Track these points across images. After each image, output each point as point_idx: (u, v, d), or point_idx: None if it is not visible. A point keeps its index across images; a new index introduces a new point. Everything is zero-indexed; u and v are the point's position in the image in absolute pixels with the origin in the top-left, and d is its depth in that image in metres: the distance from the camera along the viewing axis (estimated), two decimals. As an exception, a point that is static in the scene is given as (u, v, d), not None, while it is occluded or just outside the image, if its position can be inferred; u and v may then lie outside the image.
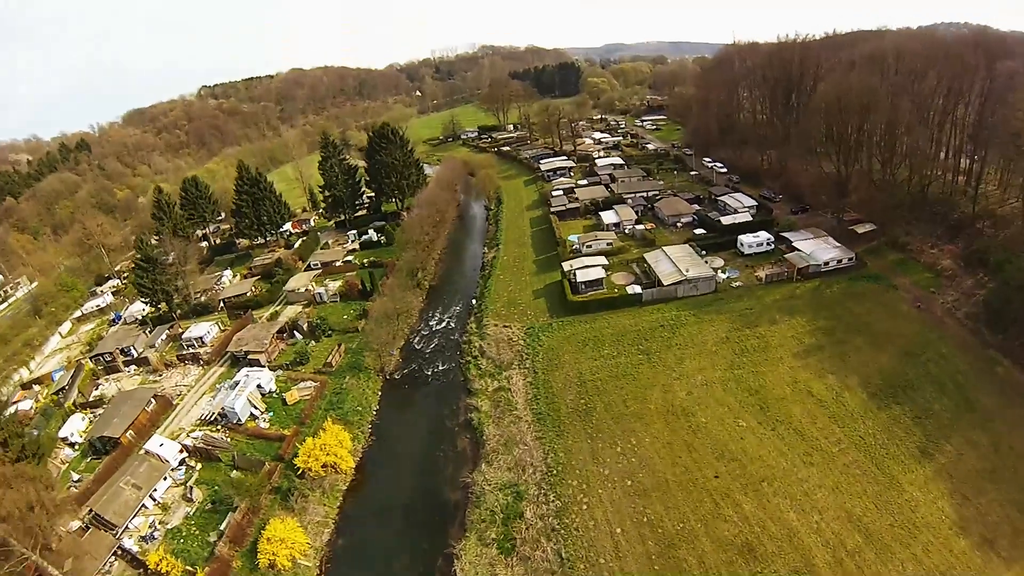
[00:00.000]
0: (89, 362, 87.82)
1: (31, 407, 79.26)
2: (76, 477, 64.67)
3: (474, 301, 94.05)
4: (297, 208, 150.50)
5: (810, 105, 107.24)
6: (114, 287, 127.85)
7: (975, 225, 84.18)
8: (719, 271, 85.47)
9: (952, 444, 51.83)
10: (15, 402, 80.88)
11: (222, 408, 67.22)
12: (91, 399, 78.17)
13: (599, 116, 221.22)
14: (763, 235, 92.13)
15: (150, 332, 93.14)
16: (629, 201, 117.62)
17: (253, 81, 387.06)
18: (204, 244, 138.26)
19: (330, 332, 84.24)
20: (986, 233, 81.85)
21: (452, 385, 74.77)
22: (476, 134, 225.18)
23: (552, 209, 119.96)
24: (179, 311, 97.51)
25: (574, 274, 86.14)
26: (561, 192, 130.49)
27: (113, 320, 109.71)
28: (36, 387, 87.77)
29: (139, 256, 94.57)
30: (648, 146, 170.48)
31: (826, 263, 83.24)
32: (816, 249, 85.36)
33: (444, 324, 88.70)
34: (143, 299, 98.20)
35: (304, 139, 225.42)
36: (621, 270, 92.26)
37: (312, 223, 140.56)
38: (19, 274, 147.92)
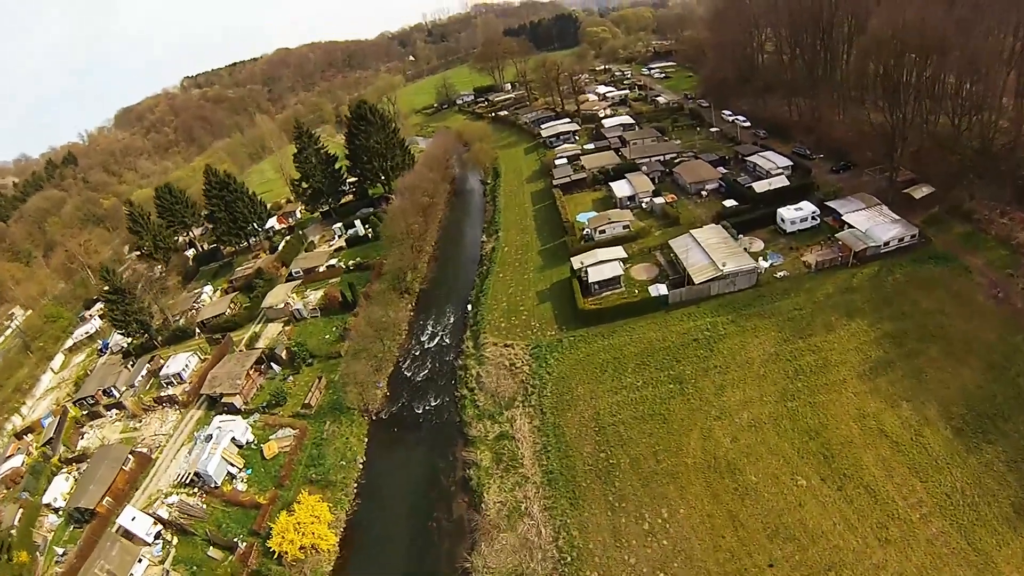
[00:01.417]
0: (73, 407, 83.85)
1: (22, 462, 76.09)
2: (60, 552, 60.38)
3: (470, 307, 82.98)
4: (283, 199, 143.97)
5: (859, 45, 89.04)
6: (101, 311, 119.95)
7: None
8: (760, 258, 72.00)
9: None
10: (8, 456, 78.89)
11: (196, 471, 61.73)
12: (76, 452, 74.86)
13: (603, 67, 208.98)
14: (807, 207, 77.70)
15: (132, 365, 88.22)
16: (644, 168, 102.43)
17: (237, 66, 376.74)
18: (191, 252, 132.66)
19: (310, 360, 76.03)
20: None
21: (447, 427, 64.94)
22: (472, 97, 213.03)
23: (555, 182, 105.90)
24: (160, 337, 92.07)
25: (585, 272, 73.27)
26: (565, 160, 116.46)
27: (101, 350, 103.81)
28: (28, 436, 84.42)
29: (106, 288, 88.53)
30: (659, 99, 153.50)
31: (886, 243, 69.25)
32: (873, 225, 71.20)
33: (437, 340, 79.04)
34: (118, 331, 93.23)
35: (285, 126, 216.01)
36: (642, 260, 79.34)
37: (299, 215, 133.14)
38: (11, 306, 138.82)
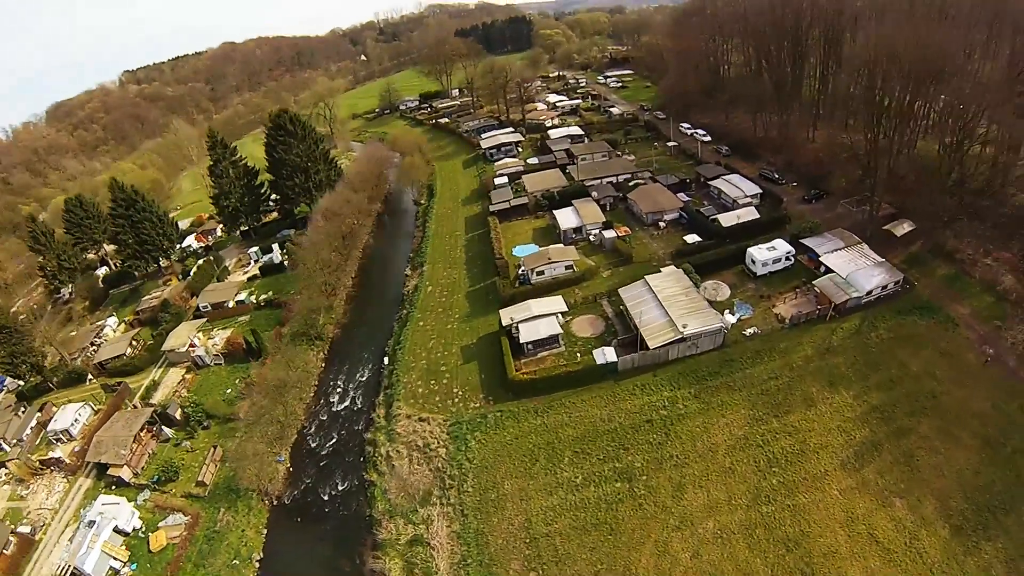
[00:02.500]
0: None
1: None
2: None
3: (386, 361, 78.85)
4: (207, 214, 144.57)
5: (846, 61, 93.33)
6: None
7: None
8: (726, 311, 69.33)
9: None
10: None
11: (74, 568, 58.70)
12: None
13: (556, 73, 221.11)
14: (781, 247, 76.38)
15: (24, 411, 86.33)
16: (594, 192, 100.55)
17: (180, 61, 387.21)
18: (102, 270, 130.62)
19: (206, 423, 75.16)
20: None
21: (355, 520, 61.02)
22: (416, 103, 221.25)
23: (492, 207, 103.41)
24: (56, 378, 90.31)
25: (516, 328, 67.48)
26: (505, 180, 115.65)
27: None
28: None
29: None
30: (613, 110, 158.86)
31: (869, 292, 68.52)
32: (855, 270, 70.33)
33: (348, 402, 76.54)
34: (6, 374, 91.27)
35: (224, 126, 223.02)
36: (586, 310, 75.21)
37: (219, 232, 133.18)
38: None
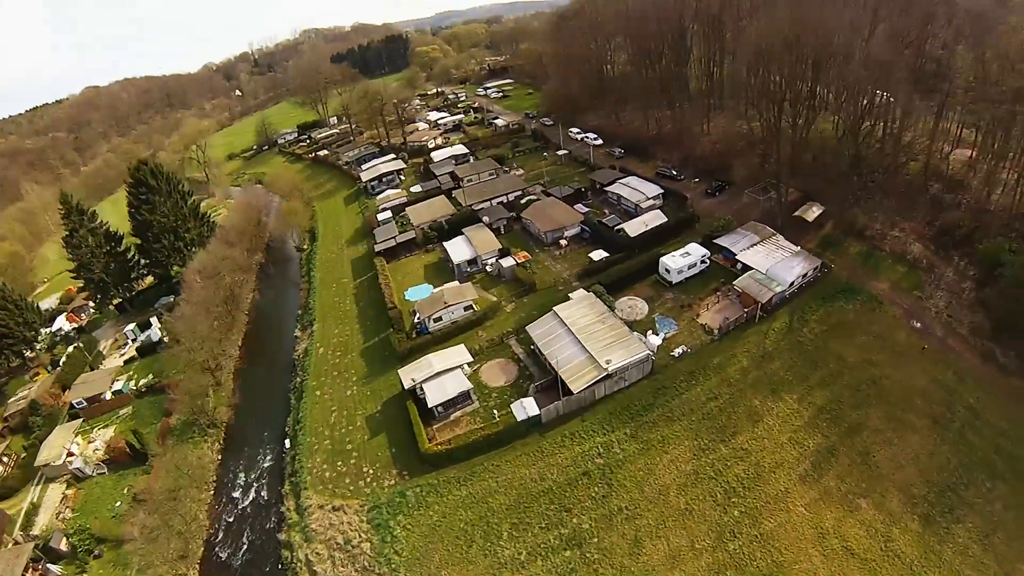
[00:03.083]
0: None
1: None
2: None
3: (287, 443, 74.38)
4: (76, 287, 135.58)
5: (741, 49, 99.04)
6: None
7: (927, 192, 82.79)
8: (649, 331, 69.23)
9: None
10: None
11: None
12: None
13: (435, 90, 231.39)
14: (695, 251, 78.63)
15: None
16: (485, 217, 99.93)
17: (38, 111, 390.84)
18: None
19: (97, 550, 68.52)
20: (945, 203, 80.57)
21: None
22: (295, 135, 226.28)
23: (377, 247, 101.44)
24: None
25: (421, 390, 64.08)
26: (388, 214, 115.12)
27: None
28: None
29: None
30: (497, 121, 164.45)
31: (792, 284, 71.74)
32: (773, 264, 73.49)
33: (253, 495, 72.37)
34: None
35: (91, 180, 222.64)
36: (495, 354, 72.86)
37: (92, 308, 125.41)
38: None
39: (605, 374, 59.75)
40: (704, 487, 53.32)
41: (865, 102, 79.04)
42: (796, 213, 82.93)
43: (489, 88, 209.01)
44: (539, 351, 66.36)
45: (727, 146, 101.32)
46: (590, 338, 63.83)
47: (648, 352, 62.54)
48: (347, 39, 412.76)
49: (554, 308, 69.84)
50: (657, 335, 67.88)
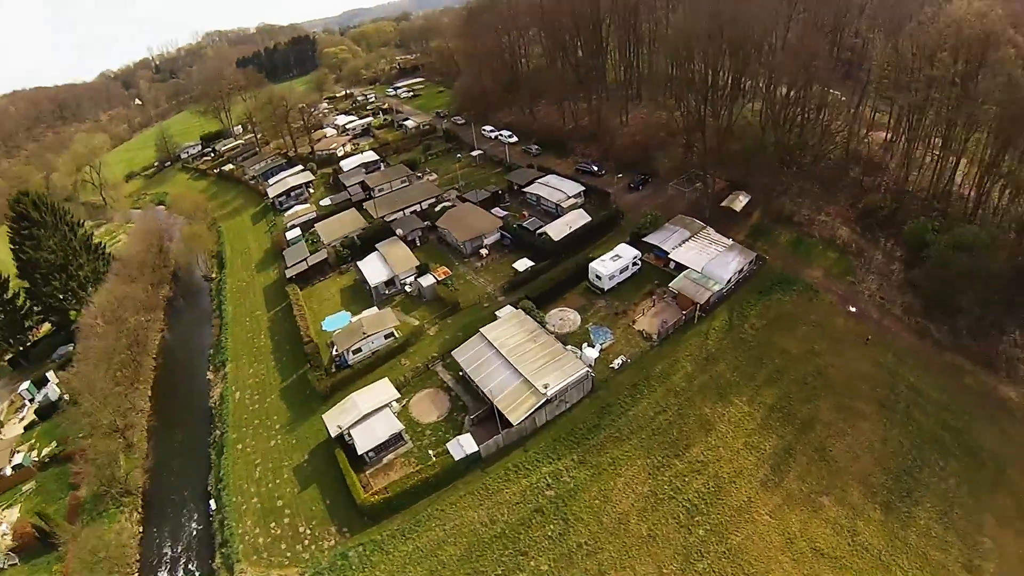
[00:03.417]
0: None
1: None
2: None
3: (213, 504, 68.97)
4: None
5: (662, 40, 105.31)
6: None
7: (848, 175, 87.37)
8: (584, 345, 68.06)
9: (991, 539, 51.52)
10: None
11: None
12: None
13: (344, 92, 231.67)
14: (626, 253, 78.51)
15: None
16: (399, 229, 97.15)
17: None
18: None
19: None
20: (865, 185, 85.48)
21: None
22: (198, 149, 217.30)
23: (288, 272, 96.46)
24: None
25: (349, 435, 60.99)
26: (298, 232, 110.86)
27: None
28: None
29: None
30: (407, 123, 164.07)
31: (729, 280, 72.94)
32: (708, 261, 74.62)
33: (182, 572, 66.54)
34: None
35: None
36: (423, 384, 69.98)
37: None
38: None
39: (544, 400, 58.16)
40: (665, 509, 52.92)
41: (787, 90, 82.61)
42: (723, 203, 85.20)
43: (399, 88, 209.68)
44: (469, 378, 64.04)
45: (648, 138, 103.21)
46: (523, 360, 62.29)
47: (587, 369, 61.81)
48: (252, 41, 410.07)
49: (481, 330, 67.98)
50: (593, 347, 67.33)
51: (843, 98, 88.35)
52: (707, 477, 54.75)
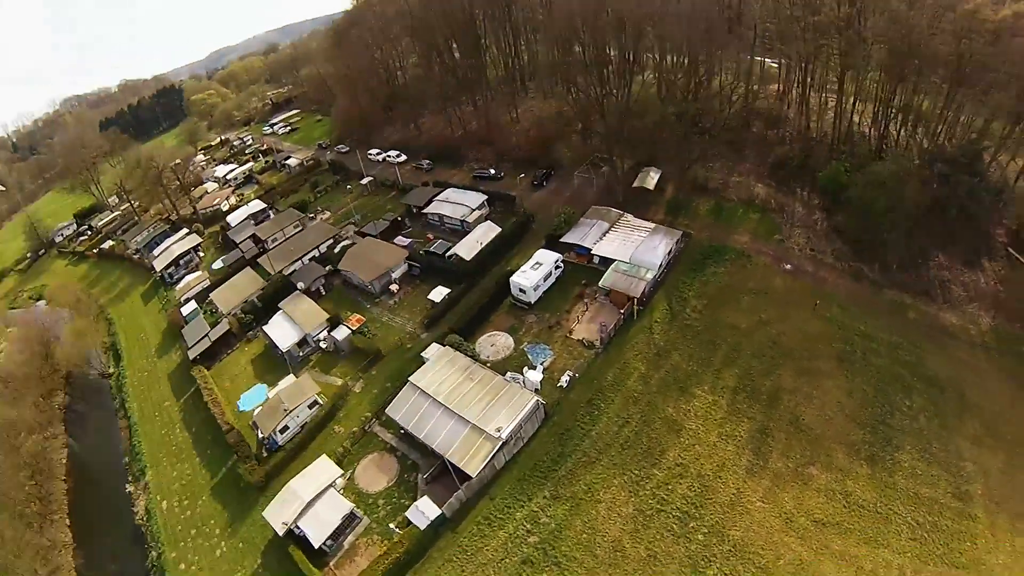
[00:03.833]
0: None
1: None
2: None
3: None
4: None
5: (547, 27, 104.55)
6: None
7: (752, 131, 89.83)
8: (525, 369, 65.63)
9: (971, 462, 55.24)
10: None
11: None
12: None
13: (219, 139, 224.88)
14: (546, 259, 76.52)
15: None
16: (300, 283, 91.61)
17: None
18: None
19: None
20: (769, 139, 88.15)
21: None
22: (74, 228, 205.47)
23: (190, 352, 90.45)
24: None
25: (298, 529, 56.63)
26: (193, 305, 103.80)
27: None
28: None
29: None
30: (290, 162, 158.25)
31: (661, 266, 72.75)
32: (635, 250, 73.92)
33: None
34: None
35: None
36: (365, 450, 65.31)
37: None
38: None
39: (500, 444, 55.18)
40: (656, 524, 51.50)
41: (680, 58, 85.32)
42: (635, 184, 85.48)
43: (276, 124, 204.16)
44: (412, 434, 60.18)
45: (543, 130, 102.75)
46: (465, 404, 59.20)
47: (536, 398, 59.39)
48: (115, 100, 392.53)
49: (410, 379, 64.24)
50: (535, 369, 65.14)
51: (739, 55, 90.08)
52: (690, 479, 53.91)
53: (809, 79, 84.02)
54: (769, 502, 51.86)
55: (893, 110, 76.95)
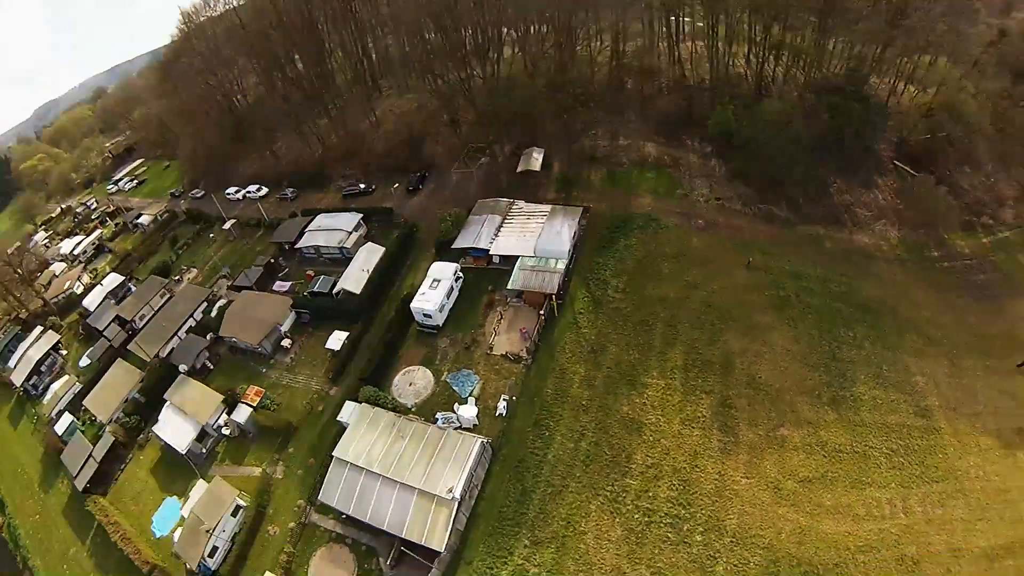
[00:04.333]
0: None
1: None
2: None
3: None
4: None
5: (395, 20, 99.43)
6: None
7: (626, 89, 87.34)
8: (456, 407, 58.28)
9: (920, 376, 56.39)
10: None
11: None
12: None
13: (59, 209, 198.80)
14: (443, 273, 68.95)
15: None
16: (181, 365, 79.12)
17: None
18: None
19: None
20: (645, 93, 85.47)
21: None
22: None
23: (78, 482, 75.51)
24: None
25: None
26: (68, 420, 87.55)
27: None
28: None
29: None
30: (141, 220, 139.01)
31: (570, 251, 67.90)
32: (538, 239, 68.04)
33: None
34: None
35: None
36: (311, 549, 55.62)
37: None
38: None
39: (457, 504, 48.37)
40: (651, 537, 47.49)
41: (543, 26, 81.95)
42: (520, 168, 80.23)
43: (120, 179, 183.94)
44: (355, 519, 51.80)
45: (407, 130, 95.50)
46: (404, 469, 51.82)
47: (478, 440, 52.84)
48: None
49: (335, 455, 55.43)
50: (466, 403, 58.41)
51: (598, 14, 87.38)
52: (668, 479, 50.42)
53: (675, 28, 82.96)
54: (752, 476, 49.89)
55: (768, 48, 76.87)
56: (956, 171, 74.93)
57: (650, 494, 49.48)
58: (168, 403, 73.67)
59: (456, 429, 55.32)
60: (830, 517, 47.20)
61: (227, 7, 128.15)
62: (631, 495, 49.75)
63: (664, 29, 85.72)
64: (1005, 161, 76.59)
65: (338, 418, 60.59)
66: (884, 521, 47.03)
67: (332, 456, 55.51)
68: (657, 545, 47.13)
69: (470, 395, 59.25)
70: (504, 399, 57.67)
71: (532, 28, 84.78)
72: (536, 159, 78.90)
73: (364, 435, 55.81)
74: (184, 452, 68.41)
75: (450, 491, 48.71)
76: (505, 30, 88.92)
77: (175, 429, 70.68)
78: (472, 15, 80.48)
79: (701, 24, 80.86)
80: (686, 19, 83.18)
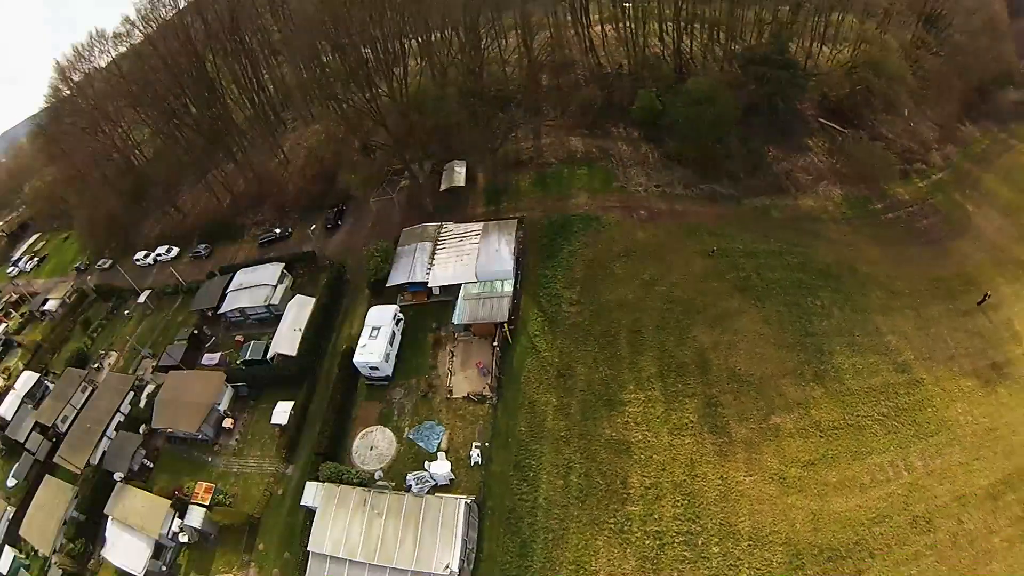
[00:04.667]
0: None
1: None
2: None
3: None
4: None
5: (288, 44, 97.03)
6: None
7: (541, 86, 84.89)
8: (426, 465, 53.64)
9: (891, 334, 56.82)
10: None
11: None
12: None
13: None
14: (382, 317, 63.87)
15: None
16: (116, 472, 70.32)
17: None
18: None
19: None
20: (562, 87, 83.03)
21: None
22: None
23: None
24: None
25: None
26: (10, 556, 76.65)
27: None
28: None
29: None
30: (47, 307, 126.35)
31: (516, 270, 64.23)
32: (477, 261, 64.09)
33: None
34: None
35: None
36: None
37: None
38: None
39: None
40: (667, 560, 44.99)
41: (448, 31, 79.29)
42: (443, 187, 76.51)
43: (19, 259, 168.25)
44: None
45: (318, 163, 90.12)
46: (389, 551, 46.73)
47: (461, 501, 48.48)
48: None
49: (310, 550, 49.59)
50: (436, 459, 53.56)
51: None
52: (670, 495, 47.98)
53: (580, 14, 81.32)
54: (755, 472, 48.44)
55: (683, 23, 76.71)
56: (878, 121, 76.33)
57: (655, 516, 47.00)
58: (111, 519, 65.67)
59: (433, 489, 50.71)
60: (838, 494, 46.74)
61: (103, 54, 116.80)
62: (636, 522, 47.02)
63: (569, 17, 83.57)
64: (921, 105, 79.04)
65: (301, 503, 54.49)
66: (889, 484, 47.12)
67: (308, 551, 49.78)
68: (674, 567, 44.97)
69: (438, 449, 54.55)
70: (476, 446, 53.43)
71: (435, 34, 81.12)
72: (459, 173, 75.39)
73: (336, 520, 50.45)
74: (142, 575, 60.86)
75: (447, 567, 44.48)
76: (407, 41, 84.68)
77: (126, 549, 62.96)
78: (369, 29, 75.30)
79: (611, 7, 79.49)
80: (590, 2, 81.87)
